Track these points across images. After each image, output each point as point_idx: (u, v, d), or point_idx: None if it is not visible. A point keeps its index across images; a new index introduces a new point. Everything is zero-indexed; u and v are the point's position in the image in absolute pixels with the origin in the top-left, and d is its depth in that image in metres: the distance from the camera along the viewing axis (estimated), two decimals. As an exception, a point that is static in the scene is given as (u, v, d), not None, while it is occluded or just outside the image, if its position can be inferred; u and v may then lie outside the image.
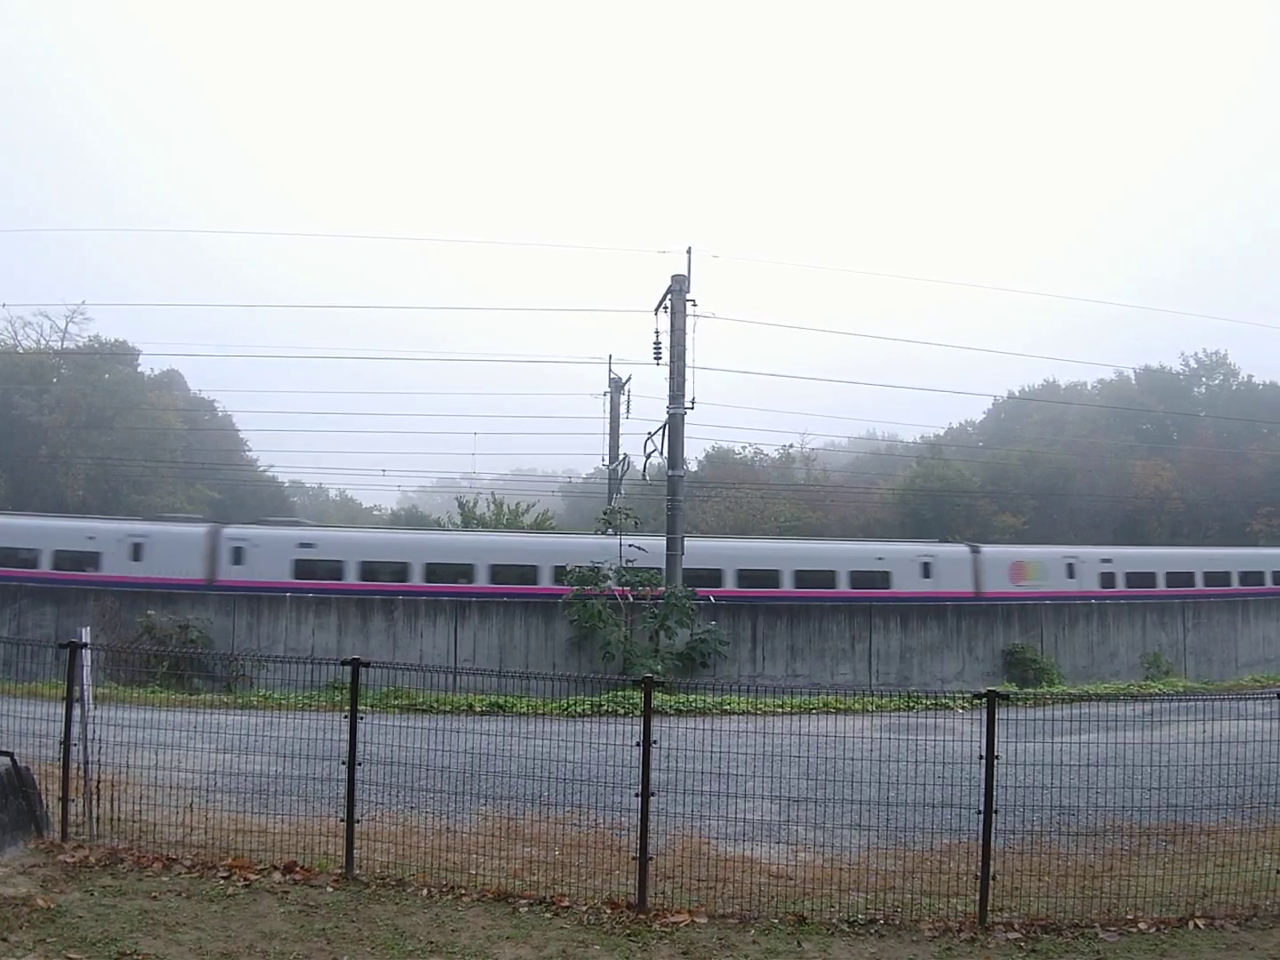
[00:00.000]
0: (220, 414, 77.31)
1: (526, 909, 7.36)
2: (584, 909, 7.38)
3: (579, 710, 17.30)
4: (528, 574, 30.37)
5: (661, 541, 25.43)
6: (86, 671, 8.93)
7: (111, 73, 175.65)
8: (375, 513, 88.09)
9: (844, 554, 34.54)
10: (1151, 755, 9.10)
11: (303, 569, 29.68)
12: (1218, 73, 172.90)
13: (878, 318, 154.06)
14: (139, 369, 70.59)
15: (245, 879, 7.73)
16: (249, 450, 79.11)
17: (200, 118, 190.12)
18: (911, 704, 17.86)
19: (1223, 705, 12.48)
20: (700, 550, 30.27)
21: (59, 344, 65.97)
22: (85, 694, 8.86)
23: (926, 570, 33.09)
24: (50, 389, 61.80)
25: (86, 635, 9.18)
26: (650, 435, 28.76)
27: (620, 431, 36.80)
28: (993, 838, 7.56)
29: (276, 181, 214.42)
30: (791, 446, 73.58)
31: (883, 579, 32.47)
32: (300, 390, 71.20)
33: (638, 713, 9.15)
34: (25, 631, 21.53)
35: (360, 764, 8.25)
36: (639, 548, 23.74)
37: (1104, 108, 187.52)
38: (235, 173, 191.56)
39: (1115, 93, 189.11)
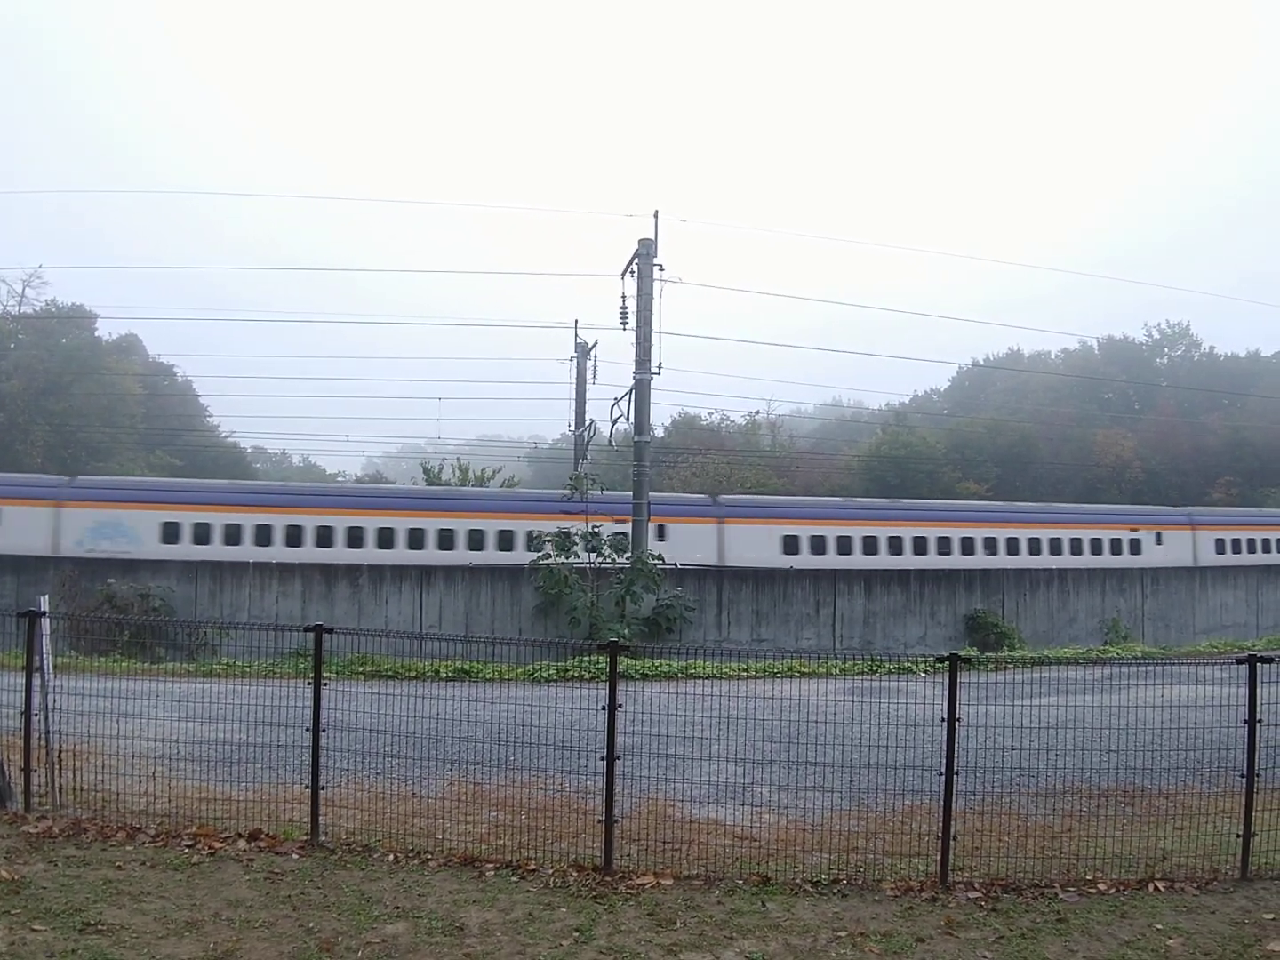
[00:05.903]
0: (180, 379, 76.20)
1: (493, 873, 7.38)
2: (550, 872, 7.41)
3: (545, 675, 17.37)
4: None
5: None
6: (46, 640, 8.81)
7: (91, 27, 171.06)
8: (340, 479, 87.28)
9: None
10: (1110, 719, 9.25)
11: None
12: (1209, 57, 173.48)
13: (845, 285, 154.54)
14: (96, 334, 69.32)
15: (210, 847, 7.69)
16: (209, 416, 78.06)
17: (178, 75, 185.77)
18: (875, 668, 18.04)
19: (1180, 670, 12.71)
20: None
21: (16, 309, 64.60)
22: (45, 663, 8.75)
23: None
24: (8, 355, 60.59)
25: (45, 604, 9.06)
26: (617, 400, 28.64)
27: (587, 397, 36.49)
28: (954, 799, 7.66)
29: (238, 137, 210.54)
30: (758, 413, 73.62)
31: None
32: (262, 355, 70.59)
33: (603, 678, 9.15)
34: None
35: (325, 731, 8.22)
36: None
37: (1091, 81, 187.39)
38: (205, 126, 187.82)
39: (1111, 68, 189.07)
